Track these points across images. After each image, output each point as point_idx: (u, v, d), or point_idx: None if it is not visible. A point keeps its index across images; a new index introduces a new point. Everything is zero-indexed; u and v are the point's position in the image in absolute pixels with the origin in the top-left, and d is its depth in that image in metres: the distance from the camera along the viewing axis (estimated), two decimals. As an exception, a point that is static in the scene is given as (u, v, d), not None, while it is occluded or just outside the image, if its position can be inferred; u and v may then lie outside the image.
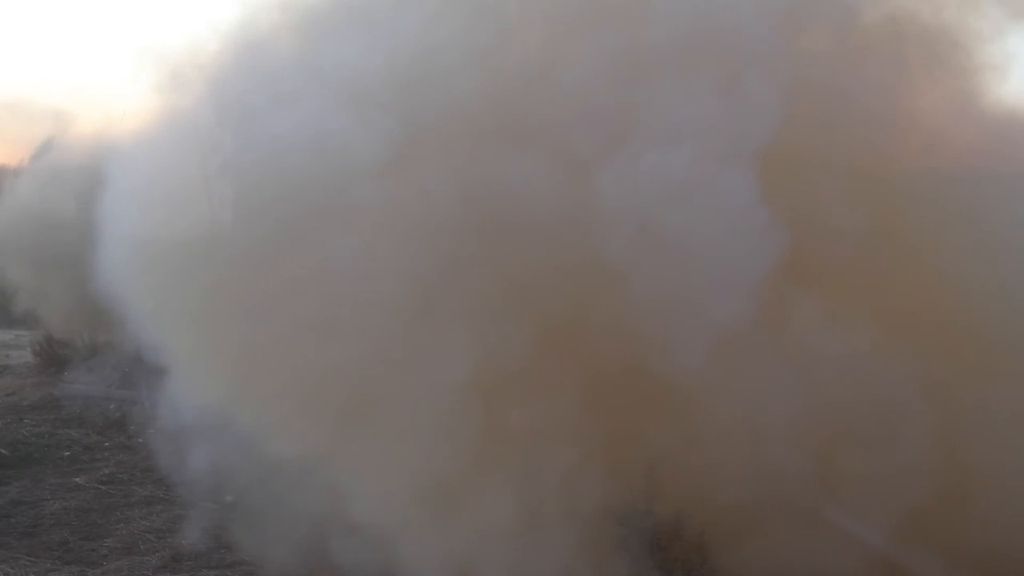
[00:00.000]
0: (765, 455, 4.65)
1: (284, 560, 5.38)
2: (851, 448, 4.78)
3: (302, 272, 4.82)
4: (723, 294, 4.54)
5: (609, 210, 4.63)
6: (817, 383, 4.68)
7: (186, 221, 5.07)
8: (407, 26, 4.94)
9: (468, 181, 4.70)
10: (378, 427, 4.95)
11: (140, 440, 8.10)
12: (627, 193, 4.62)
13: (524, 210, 4.64)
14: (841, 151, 4.87)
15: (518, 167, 4.68)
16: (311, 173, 4.72)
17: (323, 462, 5.12)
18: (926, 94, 5.32)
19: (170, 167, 5.22)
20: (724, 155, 4.62)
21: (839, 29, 5.21)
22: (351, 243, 4.73)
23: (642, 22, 4.89)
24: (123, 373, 9.55)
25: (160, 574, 5.76)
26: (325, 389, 4.94)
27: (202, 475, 5.74)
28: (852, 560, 4.81)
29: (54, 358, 10.99)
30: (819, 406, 4.69)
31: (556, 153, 4.72)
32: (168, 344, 5.50)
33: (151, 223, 5.22)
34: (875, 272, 4.93)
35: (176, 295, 5.25)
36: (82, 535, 6.39)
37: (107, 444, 8.33)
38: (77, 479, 7.44)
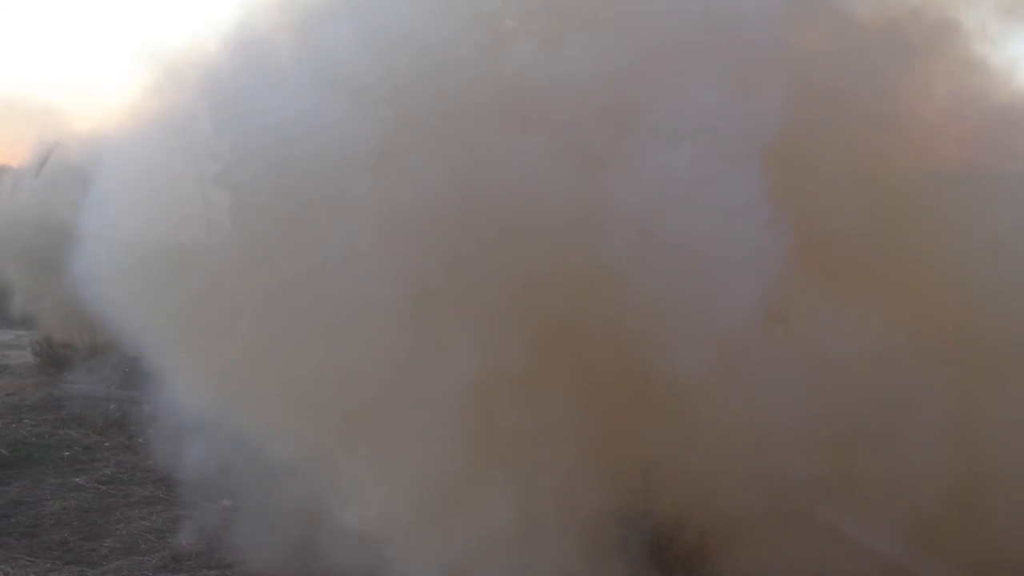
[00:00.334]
0: (770, 458, 4.62)
1: (283, 562, 5.39)
2: (860, 452, 4.74)
3: (299, 272, 4.81)
4: (729, 294, 4.51)
5: (613, 208, 4.63)
6: (826, 385, 4.64)
7: (181, 222, 5.07)
8: (407, 23, 4.93)
9: (467, 179, 4.68)
10: (376, 429, 4.95)
11: (140, 440, 8.11)
12: (632, 191, 4.61)
13: (525, 208, 4.63)
14: (844, 149, 4.86)
15: (519, 164, 4.66)
16: (307, 168, 4.71)
17: (321, 464, 5.12)
18: (927, 90, 5.30)
19: (164, 166, 5.22)
20: (730, 153, 4.61)
21: (839, 26, 5.20)
22: (348, 241, 4.72)
23: (644, 18, 4.89)
24: (123, 373, 9.56)
25: (160, 574, 5.76)
26: (322, 391, 4.93)
27: (201, 476, 5.75)
28: (859, 566, 4.77)
29: (54, 358, 11.00)
30: (828, 408, 4.64)
31: (559, 150, 4.70)
32: (165, 346, 5.50)
33: (145, 224, 5.23)
34: (885, 271, 4.89)
35: (172, 296, 5.26)
36: (82, 535, 6.39)
37: (107, 444, 8.33)
38: (77, 479, 7.44)
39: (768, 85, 4.69)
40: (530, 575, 4.91)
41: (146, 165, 5.38)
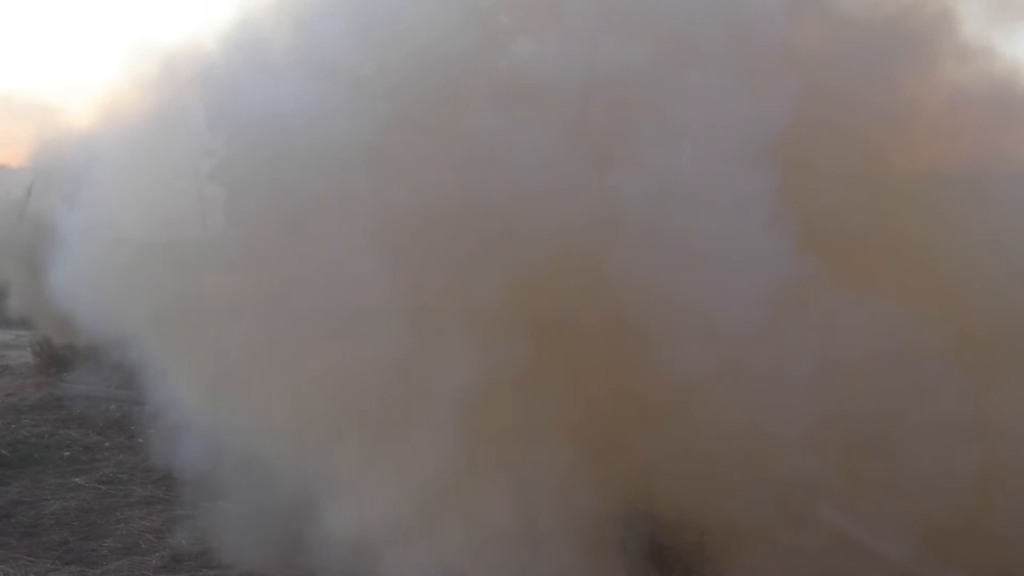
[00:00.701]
0: (774, 460, 4.59)
1: (283, 562, 5.39)
2: (869, 453, 4.70)
3: (295, 271, 4.81)
4: (735, 295, 4.50)
5: (616, 207, 4.61)
6: (835, 384, 4.61)
7: (177, 218, 5.07)
8: (402, 18, 4.92)
9: (465, 177, 4.67)
10: (375, 429, 4.95)
11: (140, 440, 8.11)
12: (635, 190, 4.60)
13: (524, 207, 4.61)
14: (849, 147, 4.83)
15: (517, 162, 4.65)
16: (303, 165, 4.70)
17: (320, 464, 5.12)
18: (928, 84, 5.28)
19: (159, 163, 5.21)
20: (735, 152, 4.59)
21: (839, 22, 5.18)
22: (345, 239, 4.71)
23: (643, 14, 4.88)
24: (123, 373, 9.55)
25: (160, 574, 5.76)
26: (320, 390, 4.93)
27: (201, 476, 5.75)
28: (864, 569, 4.75)
29: (54, 358, 10.99)
30: (836, 408, 4.62)
31: (558, 148, 4.69)
32: (162, 344, 5.50)
33: (140, 221, 5.22)
34: (895, 268, 4.86)
35: (169, 294, 5.25)
36: (82, 535, 6.39)
37: (107, 444, 8.33)
38: (77, 479, 7.44)
39: (773, 82, 4.67)
40: None
41: (141, 161, 5.37)
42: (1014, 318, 4.83)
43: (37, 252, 10.74)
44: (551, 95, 4.74)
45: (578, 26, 4.86)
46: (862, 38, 5.08)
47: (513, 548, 4.91)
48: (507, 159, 4.65)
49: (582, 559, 4.95)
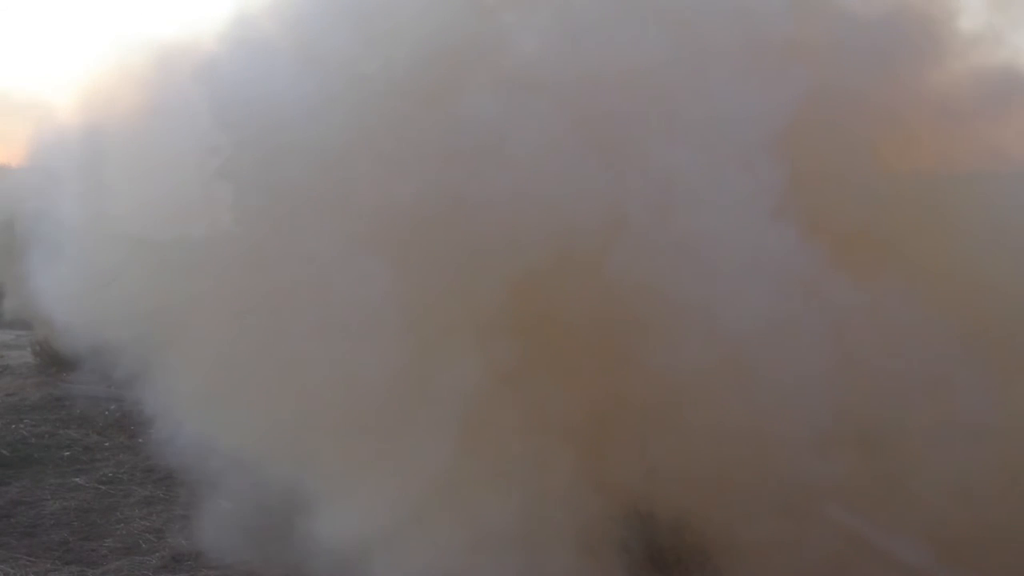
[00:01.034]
0: (779, 460, 4.57)
1: (282, 562, 5.39)
2: (880, 454, 4.64)
3: (296, 270, 4.80)
4: (741, 293, 4.47)
5: (620, 207, 4.60)
6: (843, 385, 4.57)
7: (183, 215, 5.06)
8: (405, 14, 4.90)
9: (469, 174, 4.65)
10: (376, 428, 4.94)
11: (140, 440, 8.12)
12: (639, 189, 4.58)
13: (527, 205, 4.60)
14: (850, 142, 4.82)
15: (520, 160, 4.63)
16: (306, 162, 4.69)
17: (321, 464, 5.12)
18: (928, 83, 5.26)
19: (164, 159, 5.21)
20: (740, 150, 4.57)
21: (840, 19, 5.16)
22: (348, 237, 4.70)
23: (646, 10, 4.86)
24: (123, 373, 9.54)
25: (160, 574, 5.77)
26: (323, 389, 4.93)
27: (201, 476, 5.75)
28: (870, 569, 4.72)
29: (54, 358, 10.99)
30: (846, 409, 4.56)
31: (561, 146, 4.67)
32: (165, 342, 5.50)
33: (146, 218, 5.22)
34: (913, 262, 4.80)
35: (174, 292, 5.25)
36: (82, 535, 6.39)
37: (107, 444, 8.33)
38: (77, 479, 7.44)
39: (777, 78, 4.65)
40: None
41: (145, 158, 5.36)
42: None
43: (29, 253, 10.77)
44: (556, 91, 4.71)
45: (583, 22, 4.84)
46: (864, 33, 5.05)
47: (513, 549, 4.91)
48: (510, 156, 4.62)
49: (583, 560, 4.95)
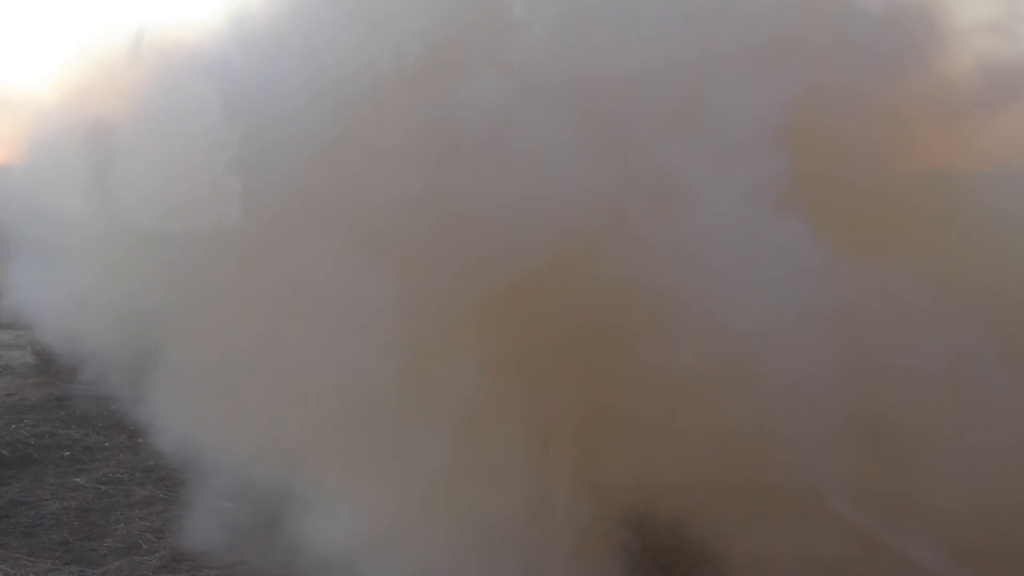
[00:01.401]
0: (782, 461, 4.54)
1: (282, 562, 5.39)
2: (890, 455, 4.57)
3: (299, 266, 4.79)
4: (747, 289, 4.45)
5: (624, 207, 4.59)
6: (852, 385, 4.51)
7: (192, 210, 5.05)
8: (416, 11, 4.88)
9: (479, 173, 4.64)
10: (378, 427, 4.94)
11: (140, 440, 8.11)
12: (643, 189, 4.57)
13: (531, 204, 4.59)
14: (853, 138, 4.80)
15: (526, 160, 4.62)
16: (316, 159, 4.68)
17: (322, 463, 5.12)
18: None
19: (174, 155, 5.19)
20: (743, 148, 4.56)
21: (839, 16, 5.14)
22: (358, 233, 4.69)
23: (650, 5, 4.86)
24: (124, 373, 9.53)
25: (160, 574, 5.77)
26: (326, 386, 4.92)
27: (201, 475, 5.75)
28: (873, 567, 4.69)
29: (54, 358, 10.97)
30: (855, 409, 4.51)
31: (567, 145, 4.66)
32: (171, 338, 5.50)
33: (155, 213, 5.21)
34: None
35: (182, 287, 5.24)
36: (82, 535, 6.39)
37: (107, 444, 8.33)
38: (77, 479, 7.44)
39: (778, 74, 4.64)
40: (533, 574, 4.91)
41: (155, 153, 5.35)
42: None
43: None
44: (559, 88, 4.69)
45: (589, 17, 4.82)
46: (864, 27, 5.02)
47: (514, 549, 4.91)
48: (511, 152, 4.61)
49: (583, 560, 4.95)
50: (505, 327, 4.76)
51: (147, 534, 6.34)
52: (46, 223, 6.19)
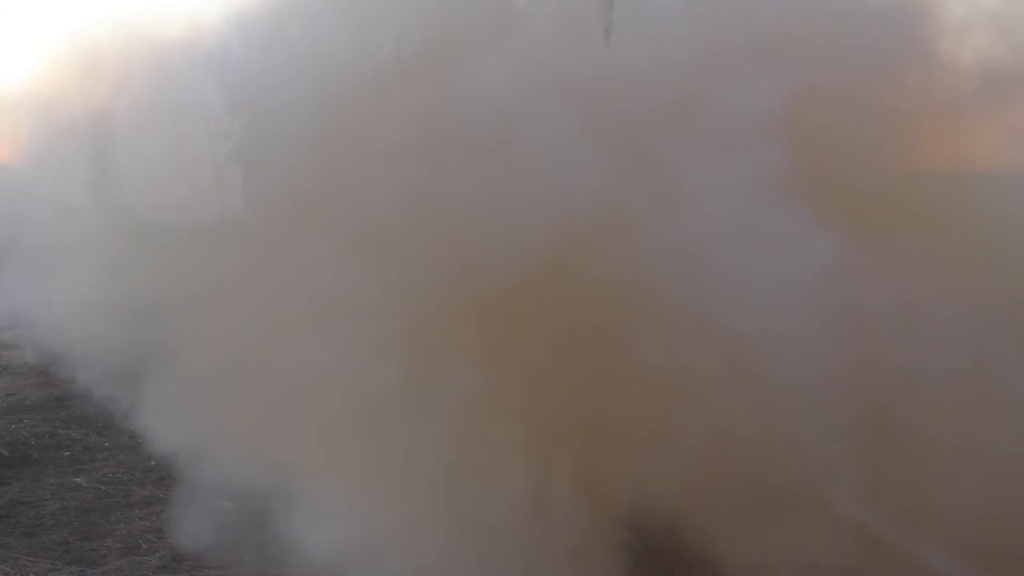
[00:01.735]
0: (784, 462, 4.52)
1: (282, 562, 5.38)
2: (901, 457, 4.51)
3: (311, 258, 4.78)
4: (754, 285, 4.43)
5: (629, 207, 4.58)
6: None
7: (194, 201, 5.05)
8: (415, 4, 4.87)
9: (484, 169, 4.63)
10: (380, 425, 4.93)
11: (140, 440, 8.10)
12: (646, 189, 4.56)
13: (536, 203, 4.58)
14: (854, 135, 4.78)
15: (531, 158, 4.61)
16: (319, 154, 4.67)
17: (323, 462, 5.12)
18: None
19: (176, 145, 5.19)
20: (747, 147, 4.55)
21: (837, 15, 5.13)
22: (363, 225, 4.68)
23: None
24: (124, 371, 9.52)
25: (160, 574, 5.77)
26: (330, 383, 4.92)
27: (202, 475, 5.74)
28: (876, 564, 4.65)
29: (55, 358, 10.96)
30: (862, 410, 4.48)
31: (571, 142, 4.65)
32: (165, 342, 5.49)
33: (157, 205, 5.20)
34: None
35: (187, 280, 5.23)
36: (82, 535, 6.39)
37: (107, 444, 8.31)
38: (77, 479, 7.43)
39: (773, 77, 4.63)
40: (533, 573, 4.90)
41: (157, 144, 5.34)
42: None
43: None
44: (561, 85, 4.68)
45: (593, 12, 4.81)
46: (863, 23, 5.00)
47: (513, 550, 4.91)
48: (515, 148, 4.60)
49: (583, 560, 4.94)
50: (505, 326, 4.76)
51: (147, 534, 6.34)
52: (44, 219, 6.19)
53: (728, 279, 4.47)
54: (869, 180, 4.75)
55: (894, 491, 4.56)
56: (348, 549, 5.10)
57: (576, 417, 4.85)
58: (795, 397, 4.46)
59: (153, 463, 7.42)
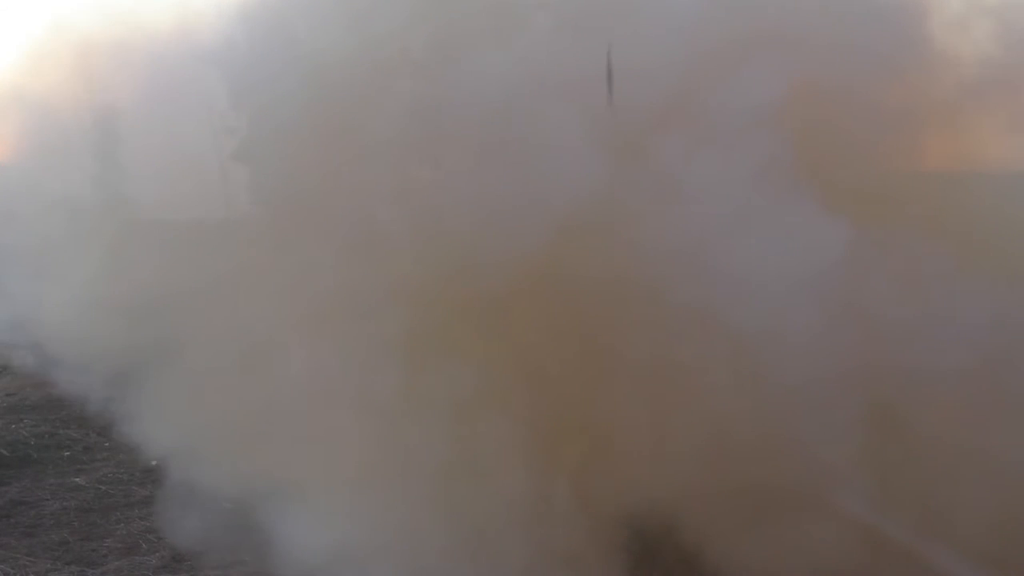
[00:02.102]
0: (786, 463, 4.50)
1: (282, 562, 5.37)
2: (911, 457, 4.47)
3: (318, 253, 4.77)
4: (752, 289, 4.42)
5: (632, 206, 4.57)
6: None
7: (200, 197, 5.04)
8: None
9: (488, 164, 4.61)
10: (381, 423, 4.92)
11: (141, 440, 8.08)
12: (649, 187, 4.55)
13: (540, 201, 4.56)
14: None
15: (534, 154, 4.59)
16: (327, 147, 4.66)
17: (323, 461, 5.10)
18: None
19: (181, 141, 5.17)
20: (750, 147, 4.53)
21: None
22: (369, 221, 4.66)
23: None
24: (125, 372, 9.51)
25: (160, 574, 5.76)
26: (333, 381, 4.90)
27: (199, 477, 5.73)
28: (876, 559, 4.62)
29: (55, 358, 10.95)
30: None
31: (575, 140, 4.63)
32: (165, 341, 5.49)
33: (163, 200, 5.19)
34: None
35: (192, 275, 5.22)
36: (82, 535, 6.39)
37: (107, 444, 8.30)
38: (77, 479, 7.43)
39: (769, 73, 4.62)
40: (533, 573, 4.89)
41: (163, 140, 5.33)
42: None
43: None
44: (562, 82, 4.66)
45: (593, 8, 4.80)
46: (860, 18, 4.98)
47: (513, 550, 4.89)
48: (517, 146, 4.59)
49: (583, 560, 4.93)
50: (504, 325, 4.75)
51: (147, 534, 6.33)
52: (45, 218, 6.19)
53: (729, 276, 4.45)
54: (870, 177, 4.74)
55: (899, 493, 4.54)
56: (347, 549, 5.08)
57: (576, 417, 4.84)
58: (797, 397, 4.44)
59: (153, 463, 7.40)
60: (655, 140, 4.59)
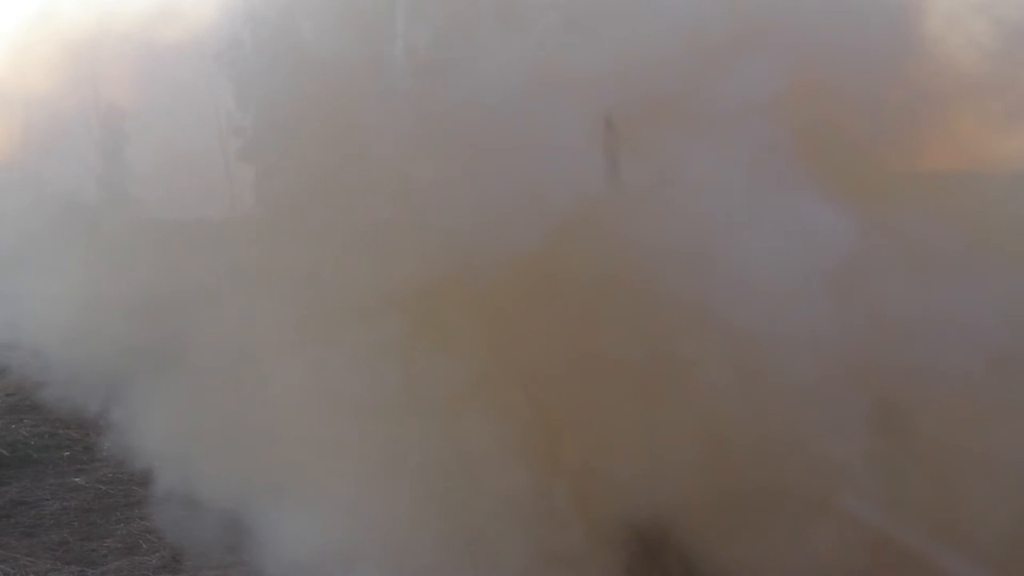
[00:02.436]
0: (787, 463, 4.49)
1: (281, 562, 5.35)
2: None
3: (322, 253, 4.76)
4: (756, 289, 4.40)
5: (634, 206, 4.55)
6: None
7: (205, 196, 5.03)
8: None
9: (492, 162, 4.60)
10: (383, 422, 4.91)
11: (137, 440, 8.07)
12: (650, 185, 4.54)
13: (544, 200, 4.54)
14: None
15: (538, 152, 4.58)
16: (331, 148, 4.65)
17: (324, 461, 5.09)
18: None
19: (187, 140, 5.17)
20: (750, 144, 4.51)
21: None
22: (372, 220, 4.65)
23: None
24: (125, 371, 9.50)
25: (160, 574, 5.75)
26: (336, 380, 4.89)
27: (203, 475, 5.72)
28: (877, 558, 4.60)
29: (54, 358, 10.94)
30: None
31: (578, 138, 4.62)
32: (166, 341, 5.48)
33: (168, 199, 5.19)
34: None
35: (196, 274, 5.21)
36: (82, 535, 6.38)
37: (107, 444, 8.30)
38: (77, 479, 7.42)
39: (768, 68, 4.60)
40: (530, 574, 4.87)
41: (168, 139, 5.33)
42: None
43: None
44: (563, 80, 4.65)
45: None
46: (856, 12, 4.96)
47: (512, 549, 4.88)
48: (516, 144, 4.58)
49: (582, 559, 4.91)
50: (504, 324, 4.74)
51: (147, 534, 6.32)
52: (47, 218, 6.18)
53: (729, 274, 4.44)
54: (869, 173, 4.72)
55: (904, 494, 4.52)
56: (347, 549, 5.07)
57: (576, 416, 4.82)
58: (800, 397, 4.43)
59: (153, 463, 7.38)
60: (654, 136, 4.57)
